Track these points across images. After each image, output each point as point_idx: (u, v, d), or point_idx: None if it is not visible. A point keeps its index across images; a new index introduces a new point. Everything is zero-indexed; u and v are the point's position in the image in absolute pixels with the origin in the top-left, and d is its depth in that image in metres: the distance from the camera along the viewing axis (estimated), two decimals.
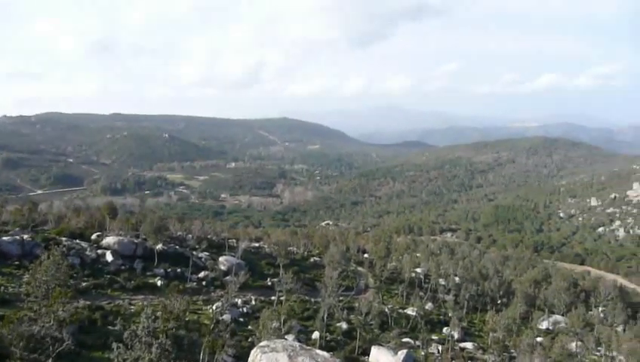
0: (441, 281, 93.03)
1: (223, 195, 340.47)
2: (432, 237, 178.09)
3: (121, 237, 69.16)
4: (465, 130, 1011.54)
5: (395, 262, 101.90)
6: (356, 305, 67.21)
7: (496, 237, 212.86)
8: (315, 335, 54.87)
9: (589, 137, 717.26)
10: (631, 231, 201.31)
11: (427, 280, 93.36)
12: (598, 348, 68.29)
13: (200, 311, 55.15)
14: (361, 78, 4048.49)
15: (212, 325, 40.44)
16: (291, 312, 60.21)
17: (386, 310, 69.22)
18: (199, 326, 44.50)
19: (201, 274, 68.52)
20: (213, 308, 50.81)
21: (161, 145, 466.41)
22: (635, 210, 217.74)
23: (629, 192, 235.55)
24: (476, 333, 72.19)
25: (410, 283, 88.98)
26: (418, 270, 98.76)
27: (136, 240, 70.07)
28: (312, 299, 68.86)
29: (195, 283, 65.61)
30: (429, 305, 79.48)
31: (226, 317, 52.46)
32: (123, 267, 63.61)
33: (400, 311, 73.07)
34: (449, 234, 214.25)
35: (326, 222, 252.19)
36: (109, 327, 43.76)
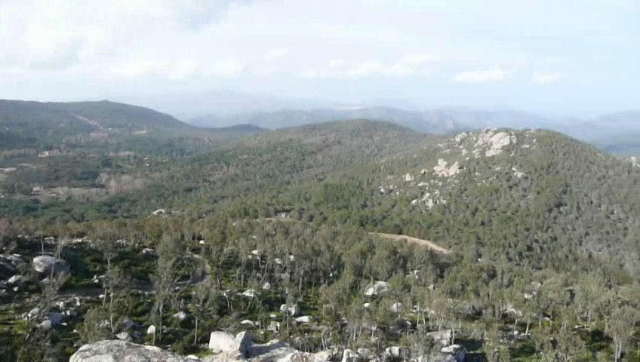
0: (277, 261, 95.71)
1: (35, 188, 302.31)
2: (268, 219, 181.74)
3: None
4: (295, 113, 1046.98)
5: (231, 246, 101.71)
6: (193, 293, 65.74)
7: (326, 214, 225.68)
8: (151, 329, 52.33)
9: (403, 120, 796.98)
10: (437, 202, 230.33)
11: (264, 261, 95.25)
12: (415, 306, 77.12)
13: (12, 321, 48.52)
14: (191, 61, 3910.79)
15: (27, 334, 35.89)
16: (122, 309, 56.46)
17: (225, 294, 68.96)
18: (10, 338, 39.15)
19: (12, 279, 60.11)
20: (29, 315, 45.15)
21: None
22: (440, 183, 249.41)
23: (435, 168, 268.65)
24: (312, 307, 76.00)
25: (248, 265, 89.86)
26: (255, 252, 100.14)
27: None
28: (146, 293, 65.38)
29: (4, 290, 57.40)
30: (266, 285, 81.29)
31: (46, 323, 47.05)
32: None
33: (238, 293, 73.41)
34: (283, 215, 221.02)
35: (158, 210, 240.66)
36: None
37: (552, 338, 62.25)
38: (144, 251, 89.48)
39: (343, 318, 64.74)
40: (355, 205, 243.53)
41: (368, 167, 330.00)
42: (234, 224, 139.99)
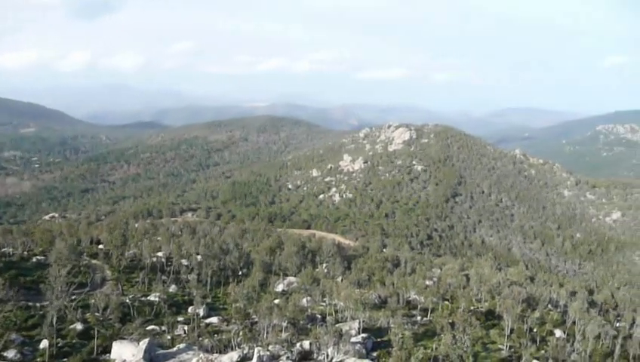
0: (184, 262, 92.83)
1: None
2: (173, 219, 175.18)
3: None
4: (201, 109, 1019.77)
5: (134, 249, 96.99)
6: (92, 301, 61.81)
7: (234, 212, 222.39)
8: (44, 344, 48.38)
9: (309, 116, 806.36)
10: (344, 196, 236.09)
11: (170, 263, 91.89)
12: (324, 299, 78.51)
13: None
14: (85, 53, 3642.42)
15: None
16: (9, 324, 51.69)
17: (127, 300, 65.62)
18: None
19: None
20: None
21: None
22: (346, 178, 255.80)
23: (340, 163, 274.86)
24: (221, 307, 74.61)
25: (152, 268, 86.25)
26: (160, 254, 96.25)
27: None
28: (38, 304, 60.39)
29: None
30: (172, 288, 78.55)
31: None
32: None
33: (143, 299, 70.19)
34: (190, 214, 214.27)
35: (51, 215, 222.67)
36: None
37: (450, 321, 66.41)
38: (34, 259, 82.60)
39: (254, 316, 64.31)
40: (264, 202, 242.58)
41: (276, 164, 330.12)
42: (136, 226, 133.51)
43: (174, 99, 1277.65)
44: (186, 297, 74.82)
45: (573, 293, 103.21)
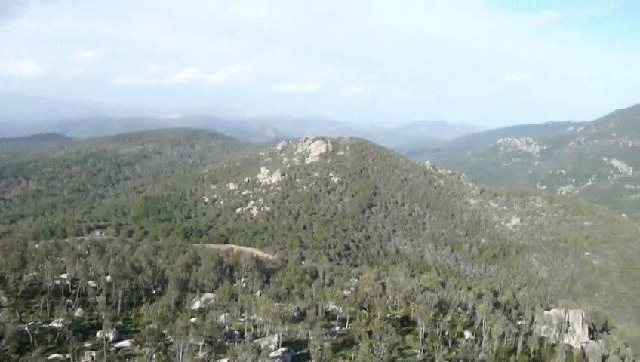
0: (91, 283, 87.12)
1: None
2: (79, 238, 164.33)
3: None
4: (109, 121, 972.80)
5: (34, 271, 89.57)
6: None
7: (147, 228, 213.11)
8: None
9: (225, 129, 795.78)
10: (262, 209, 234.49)
11: (75, 285, 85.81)
12: (243, 315, 77.11)
13: None
14: None
15: None
16: None
17: (26, 328, 60.40)
18: None
19: None
20: None
21: None
22: (264, 191, 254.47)
23: (258, 175, 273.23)
24: (133, 329, 70.86)
25: (55, 291, 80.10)
26: (64, 276, 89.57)
27: None
28: None
29: None
30: (78, 312, 73.45)
31: None
32: None
33: (44, 325, 64.94)
34: (98, 232, 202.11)
35: None
36: None
37: (368, 329, 67.90)
38: None
39: (169, 337, 61.74)
40: (179, 217, 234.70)
41: (191, 177, 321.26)
42: (37, 246, 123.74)
43: (79, 110, 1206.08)
44: (93, 321, 70.25)
45: (480, 296, 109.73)
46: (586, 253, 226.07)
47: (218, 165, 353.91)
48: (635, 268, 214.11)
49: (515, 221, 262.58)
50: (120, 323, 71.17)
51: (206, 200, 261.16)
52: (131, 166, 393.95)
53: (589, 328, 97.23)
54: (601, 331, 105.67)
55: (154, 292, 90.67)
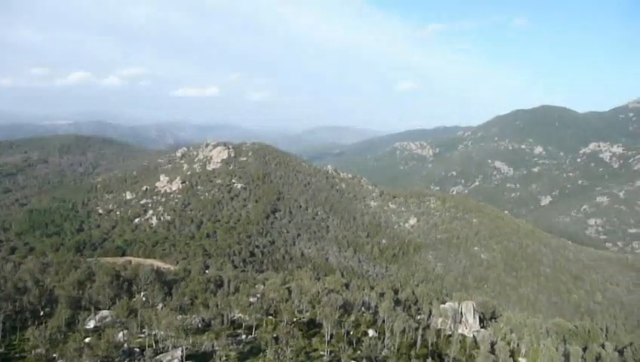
0: None
1: None
2: None
3: None
4: None
5: None
6: None
7: (33, 244, 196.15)
8: None
9: (120, 134, 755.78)
10: (162, 218, 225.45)
11: None
12: (143, 330, 73.40)
13: None
14: None
15: None
16: None
17: None
18: None
19: None
20: None
21: None
22: (163, 199, 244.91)
23: (157, 184, 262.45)
24: (18, 356, 64.56)
25: None
26: None
27: None
28: None
29: None
30: None
31: None
32: None
33: None
34: None
35: None
36: None
37: (274, 335, 67.86)
38: None
39: (60, 361, 57.14)
40: (70, 230, 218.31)
41: (83, 187, 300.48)
42: None
43: None
44: None
45: (382, 294, 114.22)
46: (475, 248, 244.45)
47: (113, 173, 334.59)
48: (517, 259, 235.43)
49: (413, 221, 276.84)
50: (2, 350, 64.60)
51: (100, 211, 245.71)
52: (13, 176, 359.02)
53: (480, 317, 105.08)
54: (490, 319, 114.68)
55: (42, 313, 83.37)
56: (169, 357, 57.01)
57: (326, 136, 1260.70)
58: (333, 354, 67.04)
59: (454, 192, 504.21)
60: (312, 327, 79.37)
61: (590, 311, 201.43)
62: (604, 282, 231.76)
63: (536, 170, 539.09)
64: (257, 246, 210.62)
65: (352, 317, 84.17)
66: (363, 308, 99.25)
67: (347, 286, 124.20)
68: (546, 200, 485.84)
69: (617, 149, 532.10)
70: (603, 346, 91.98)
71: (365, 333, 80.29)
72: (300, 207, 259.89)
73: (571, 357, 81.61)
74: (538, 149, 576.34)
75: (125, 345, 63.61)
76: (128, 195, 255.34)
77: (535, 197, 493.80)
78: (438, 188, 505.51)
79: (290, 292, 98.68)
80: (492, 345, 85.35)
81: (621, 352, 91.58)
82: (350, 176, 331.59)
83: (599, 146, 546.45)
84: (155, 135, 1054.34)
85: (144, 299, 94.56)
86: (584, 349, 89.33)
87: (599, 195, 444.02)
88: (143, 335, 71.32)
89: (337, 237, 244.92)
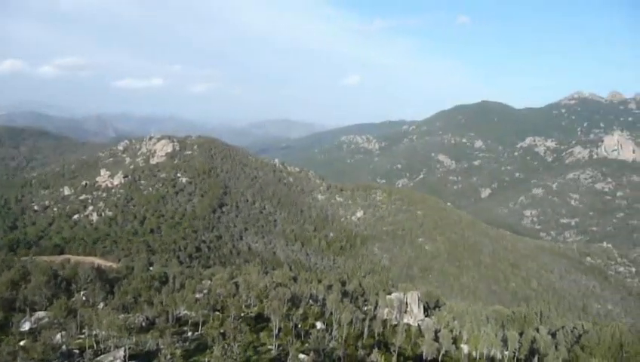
0: None
1: None
2: None
3: None
4: None
5: None
6: None
7: None
8: None
9: (56, 127, 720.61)
10: (103, 214, 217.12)
11: None
12: (83, 331, 70.63)
13: None
14: None
15: None
16: None
17: None
18: None
19: None
20: None
21: None
22: (104, 194, 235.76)
23: (97, 178, 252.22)
24: None
25: None
26: None
27: None
28: None
29: None
30: None
31: None
32: None
33: None
34: None
35: None
36: None
37: (221, 331, 67.13)
38: None
39: None
40: (2, 228, 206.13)
41: (16, 183, 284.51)
42: None
43: None
44: None
45: (330, 287, 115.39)
46: (420, 240, 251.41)
47: (49, 168, 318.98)
48: (459, 249, 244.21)
49: (359, 214, 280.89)
50: None
51: (35, 207, 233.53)
52: None
53: (424, 306, 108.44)
54: (434, 308, 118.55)
55: None
56: (111, 358, 55.21)
57: (274, 130, 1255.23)
58: (281, 348, 67.11)
59: (400, 185, 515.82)
60: (260, 322, 79.12)
61: (526, 297, 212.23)
62: (538, 270, 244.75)
63: (476, 163, 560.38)
64: (204, 242, 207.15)
65: (300, 311, 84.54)
66: (311, 301, 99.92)
67: (295, 279, 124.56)
68: (485, 193, 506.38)
69: (551, 143, 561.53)
70: (538, 330, 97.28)
71: (313, 326, 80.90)
72: (247, 201, 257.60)
73: (509, 341, 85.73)
74: (478, 143, 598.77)
75: (64, 347, 61.02)
76: (66, 191, 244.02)
77: (476, 189, 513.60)
78: (384, 181, 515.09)
79: (237, 287, 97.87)
80: (436, 333, 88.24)
81: (554, 335, 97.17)
82: (297, 169, 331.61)
83: (534, 141, 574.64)
84: (96, 127, 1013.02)
85: (84, 298, 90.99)
86: (520, 334, 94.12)
87: (534, 187, 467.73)
88: (82, 336, 68.62)
89: (285, 230, 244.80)
